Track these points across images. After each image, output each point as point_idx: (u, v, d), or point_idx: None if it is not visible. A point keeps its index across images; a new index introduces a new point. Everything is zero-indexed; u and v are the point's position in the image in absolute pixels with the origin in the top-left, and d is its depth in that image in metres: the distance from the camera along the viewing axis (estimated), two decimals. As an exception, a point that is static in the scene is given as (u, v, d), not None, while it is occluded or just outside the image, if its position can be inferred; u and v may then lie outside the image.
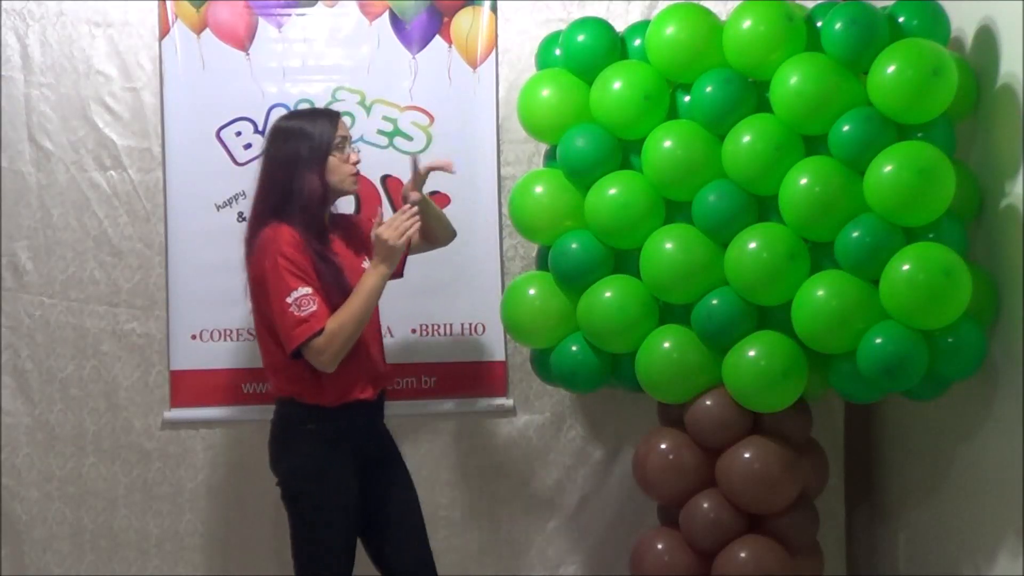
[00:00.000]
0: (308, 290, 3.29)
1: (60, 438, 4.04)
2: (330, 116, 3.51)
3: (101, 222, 4.03)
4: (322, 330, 3.28)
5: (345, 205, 4.00)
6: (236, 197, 4.01)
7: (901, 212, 3.28)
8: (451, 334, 4.03)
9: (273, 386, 3.47)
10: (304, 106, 3.98)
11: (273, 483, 4.16)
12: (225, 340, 4.01)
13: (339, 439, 3.39)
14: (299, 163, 3.40)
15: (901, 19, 3.42)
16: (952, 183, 3.26)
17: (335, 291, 3.37)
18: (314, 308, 3.28)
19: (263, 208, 3.43)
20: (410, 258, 3.69)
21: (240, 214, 4.00)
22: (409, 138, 4.05)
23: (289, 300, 3.29)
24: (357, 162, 3.49)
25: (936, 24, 3.43)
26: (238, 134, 4.02)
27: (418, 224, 3.41)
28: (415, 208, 3.42)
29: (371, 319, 3.45)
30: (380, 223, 3.39)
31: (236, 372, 4.01)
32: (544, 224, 3.67)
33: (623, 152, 3.62)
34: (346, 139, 3.48)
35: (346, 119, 3.59)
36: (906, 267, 3.23)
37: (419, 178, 3.52)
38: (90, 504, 4.05)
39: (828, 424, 4.03)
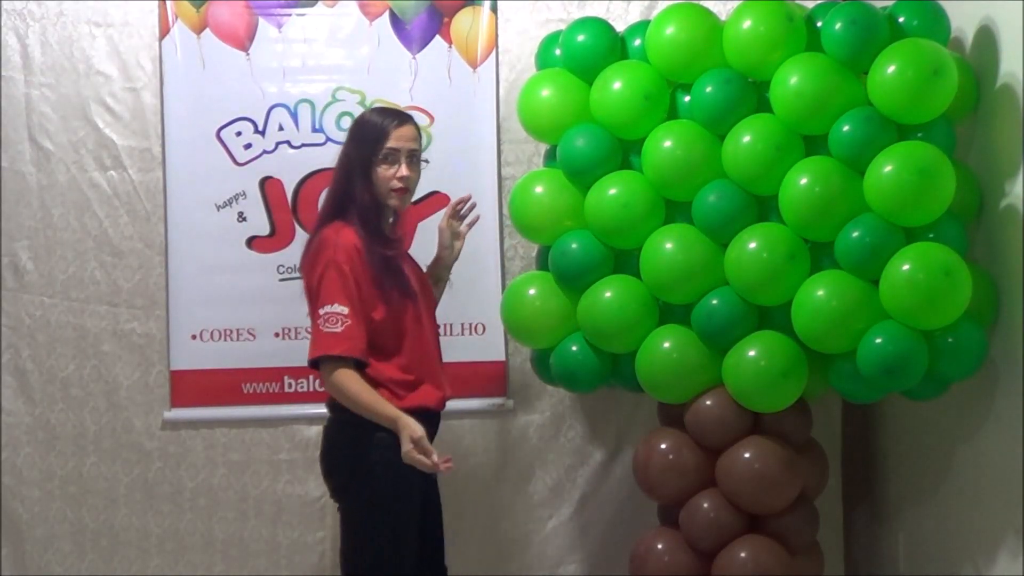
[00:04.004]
0: (343, 309, 3.20)
1: (61, 438, 4.04)
2: (388, 123, 3.35)
3: (101, 222, 4.03)
4: (332, 357, 3.21)
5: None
6: (236, 197, 4.01)
7: (901, 212, 3.27)
8: (451, 334, 4.00)
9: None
10: (305, 107, 4.00)
11: (271, 483, 4.16)
12: (225, 340, 4.01)
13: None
14: (352, 166, 3.34)
15: (901, 19, 3.42)
16: (952, 183, 3.26)
17: (397, 294, 3.31)
18: (338, 329, 3.19)
19: (329, 207, 3.38)
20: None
21: (240, 214, 4.01)
22: (409, 138, 4.05)
23: (322, 312, 3.22)
24: (402, 177, 3.32)
25: (936, 24, 3.43)
26: (238, 134, 4.02)
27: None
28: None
29: (428, 336, 3.43)
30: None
31: (236, 372, 4.01)
32: (544, 224, 3.67)
33: (623, 152, 3.62)
34: (399, 151, 3.32)
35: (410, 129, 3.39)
36: (906, 267, 3.22)
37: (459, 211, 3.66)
38: (91, 503, 4.05)
39: (825, 424, 4.02)
